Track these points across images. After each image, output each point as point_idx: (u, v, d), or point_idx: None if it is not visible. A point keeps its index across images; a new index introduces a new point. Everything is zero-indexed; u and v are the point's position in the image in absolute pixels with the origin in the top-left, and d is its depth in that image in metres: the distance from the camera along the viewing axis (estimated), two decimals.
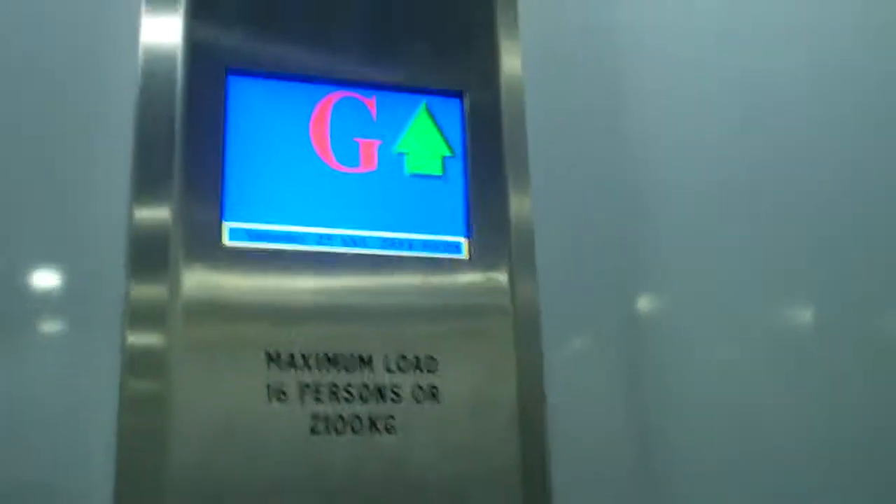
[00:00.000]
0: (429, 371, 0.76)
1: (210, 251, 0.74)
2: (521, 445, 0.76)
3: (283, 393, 0.72)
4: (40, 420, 0.74)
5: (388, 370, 0.75)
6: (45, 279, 0.77)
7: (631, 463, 0.94)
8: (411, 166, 0.82)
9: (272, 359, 0.73)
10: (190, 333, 0.72)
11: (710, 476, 0.97)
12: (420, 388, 0.75)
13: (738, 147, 1.07)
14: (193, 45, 0.78)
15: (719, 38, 1.11)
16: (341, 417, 0.73)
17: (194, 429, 0.70)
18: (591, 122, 1.03)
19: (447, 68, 0.85)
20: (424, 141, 0.82)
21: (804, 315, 1.08)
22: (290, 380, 0.73)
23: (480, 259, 0.80)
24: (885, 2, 1.19)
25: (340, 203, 0.79)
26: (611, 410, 0.95)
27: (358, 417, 0.73)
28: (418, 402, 0.75)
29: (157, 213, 0.74)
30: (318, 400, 0.73)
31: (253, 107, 0.78)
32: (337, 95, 0.81)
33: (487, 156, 0.84)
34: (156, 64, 0.77)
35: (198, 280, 0.73)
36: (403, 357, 0.76)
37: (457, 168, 0.83)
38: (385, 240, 0.79)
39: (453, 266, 0.80)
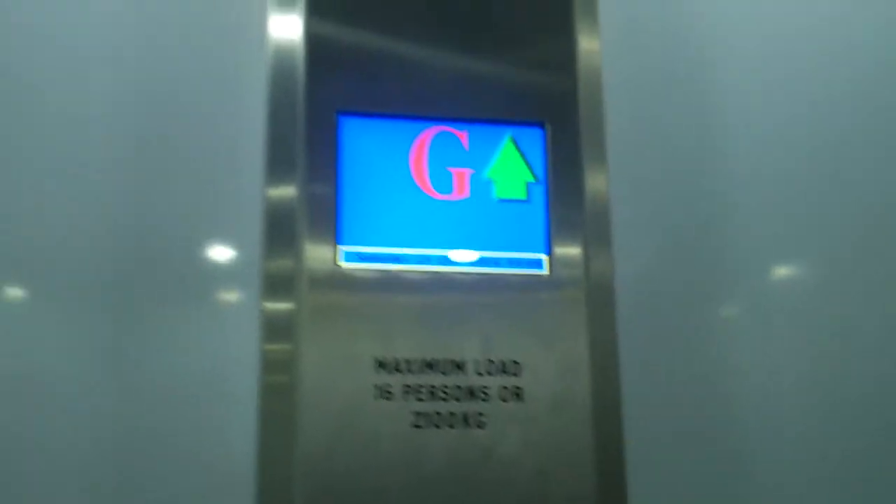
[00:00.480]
0: (514, 374, 0.87)
1: (327, 272, 0.87)
2: (596, 438, 0.87)
3: (390, 393, 0.85)
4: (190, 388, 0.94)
5: (479, 374, 0.87)
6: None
7: (706, 458, 1.01)
8: (499, 192, 0.92)
9: (380, 364, 0.86)
10: (312, 342, 0.85)
11: (787, 471, 1.01)
12: (506, 388, 0.87)
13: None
14: (311, 92, 0.90)
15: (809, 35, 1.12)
16: (438, 414, 0.85)
17: (319, 418, 0.83)
18: (668, 141, 1.08)
19: (529, 101, 0.94)
20: (510, 168, 0.92)
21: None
22: (395, 382, 0.85)
23: (559, 274, 0.90)
24: None
25: (438, 227, 0.90)
26: (687, 409, 1.02)
27: (453, 414, 0.85)
28: (505, 401, 0.86)
29: (283, 243, 0.88)
30: (419, 399, 0.85)
31: (360, 144, 0.90)
32: (433, 130, 0.92)
33: (567, 180, 0.93)
34: (280, 111, 0.91)
35: (316, 297, 0.86)
36: (491, 362, 0.87)
37: (539, 192, 0.92)
38: (477, 258, 0.90)
39: (535, 280, 0.90)
